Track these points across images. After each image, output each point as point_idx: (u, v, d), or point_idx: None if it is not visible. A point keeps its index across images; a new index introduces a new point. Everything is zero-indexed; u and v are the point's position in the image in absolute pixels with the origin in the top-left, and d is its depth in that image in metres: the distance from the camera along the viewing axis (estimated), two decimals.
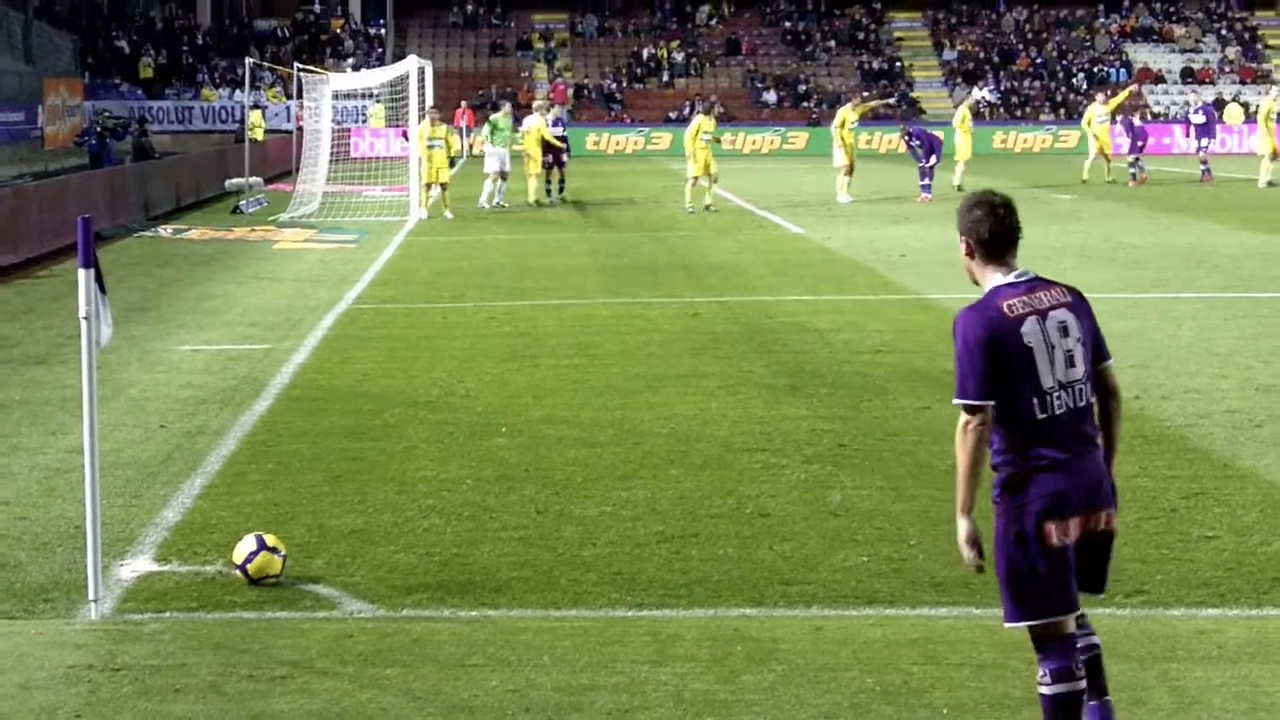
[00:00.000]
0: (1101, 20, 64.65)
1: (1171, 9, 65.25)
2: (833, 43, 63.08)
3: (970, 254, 5.27)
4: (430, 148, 27.57)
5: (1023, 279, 5.20)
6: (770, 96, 59.13)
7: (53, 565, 7.46)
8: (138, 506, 8.47)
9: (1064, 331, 5.12)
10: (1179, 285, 17.76)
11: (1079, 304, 5.23)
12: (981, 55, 62.23)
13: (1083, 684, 5.04)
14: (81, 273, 6.67)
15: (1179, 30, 63.88)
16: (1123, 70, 61.38)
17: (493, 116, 30.30)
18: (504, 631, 6.50)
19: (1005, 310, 5.09)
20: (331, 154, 31.73)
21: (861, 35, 63.39)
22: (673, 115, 57.22)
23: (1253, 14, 64.71)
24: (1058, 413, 5.07)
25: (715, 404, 11.08)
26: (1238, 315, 15.27)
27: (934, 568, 7.34)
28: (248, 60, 37.91)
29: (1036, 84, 60.55)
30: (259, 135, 40.79)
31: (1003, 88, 59.43)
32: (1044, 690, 5.04)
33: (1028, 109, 58.65)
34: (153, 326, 14.99)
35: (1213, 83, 60.25)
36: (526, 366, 12.65)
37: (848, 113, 30.89)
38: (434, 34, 63.16)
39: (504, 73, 60.77)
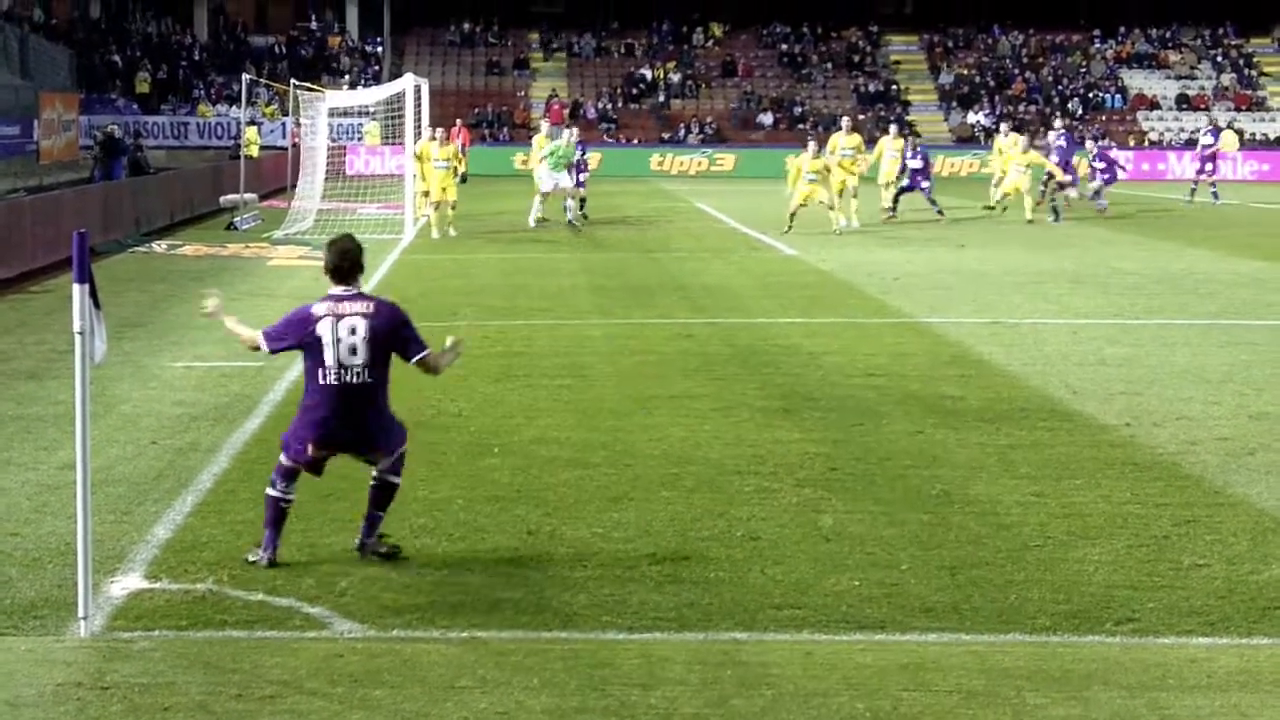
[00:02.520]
0: (1097, 45, 64.87)
1: (1167, 35, 65.48)
2: (829, 65, 63.24)
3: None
4: (438, 168, 27.76)
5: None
6: (766, 118, 59.25)
7: (43, 582, 7.44)
8: (129, 523, 8.45)
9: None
10: (1172, 311, 17.80)
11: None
12: (977, 79, 62.41)
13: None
14: (76, 288, 6.67)
15: (1174, 56, 64.10)
16: (1118, 96, 61.59)
17: (555, 144, 30.13)
18: (494, 653, 6.49)
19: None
20: (327, 171, 31.76)
21: (858, 58, 63.56)
22: (666, 136, 57.35)
23: (1248, 40, 64.95)
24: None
25: (708, 426, 11.08)
26: (1231, 342, 15.30)
27: (925, 592, 7.34)
28: (244, 76, 37.95)
29: (1032, 108, 60.70)
30: (254, 152, 40.86)
31: (998, 112, 59.58)
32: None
33: (1023, 134, 58.70)
34: (146, 342, 14.98)
35: (1208, 109, 60.41)
36: (519, 386, 12.65)
37: (837, 140, 30.91)
38: (431, 52, 63.28)
39: (500, 91, 60.88)
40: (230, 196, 32.87)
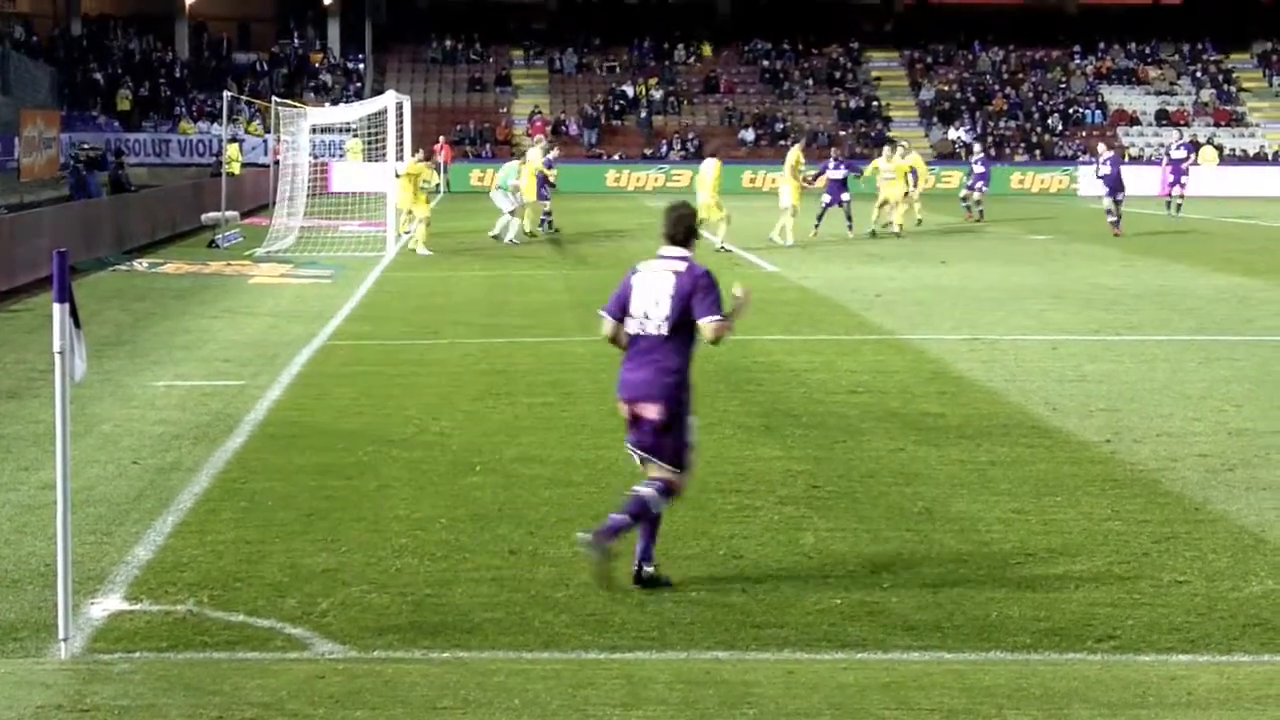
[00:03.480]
0: (1077, 61, 65.18)
1: (1147, 51, 65.82)
2: (810, 81, 63.43)
3: None
4: (422, 188, 27.93)
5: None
6: (748, 134, 59.39)
7: (22, 603, 7.41)
8: (109, 544, 8.42)
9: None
10: (1152, 327, 17.86)
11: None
12: (958, 95, 62.64)
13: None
14: (56, 307, 6.66)
15: (1154, 72, 64.43)
16: (1098, 111, 61.87)
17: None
18: (476, 674, 6.48)
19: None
20: (309, 188, 31.74)
21: (839, 74, 63.77)
22: (648, 152, 57.46)
23: (1227, 56, 65.31)
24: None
25: None
26: (1211, 358, 15.37)
27: (906, 611, 7.35)
28: (225, 93, 37.93)
29: (1012, 124, 60.96)
30: (236, 169, 40.80)
31: (979, 128, 59.82)
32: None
33: (1005, 149, 59.03)
34: (127, 361, 14.94)
35: (1187, 125, 60.74)
36: (501, 404, 12.65)
37: (798, 154, 30.88)
38: (413, 69, 63.31)
39: (482, 108, 60.92)
40: (212, 214, 32.82)
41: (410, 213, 28.38)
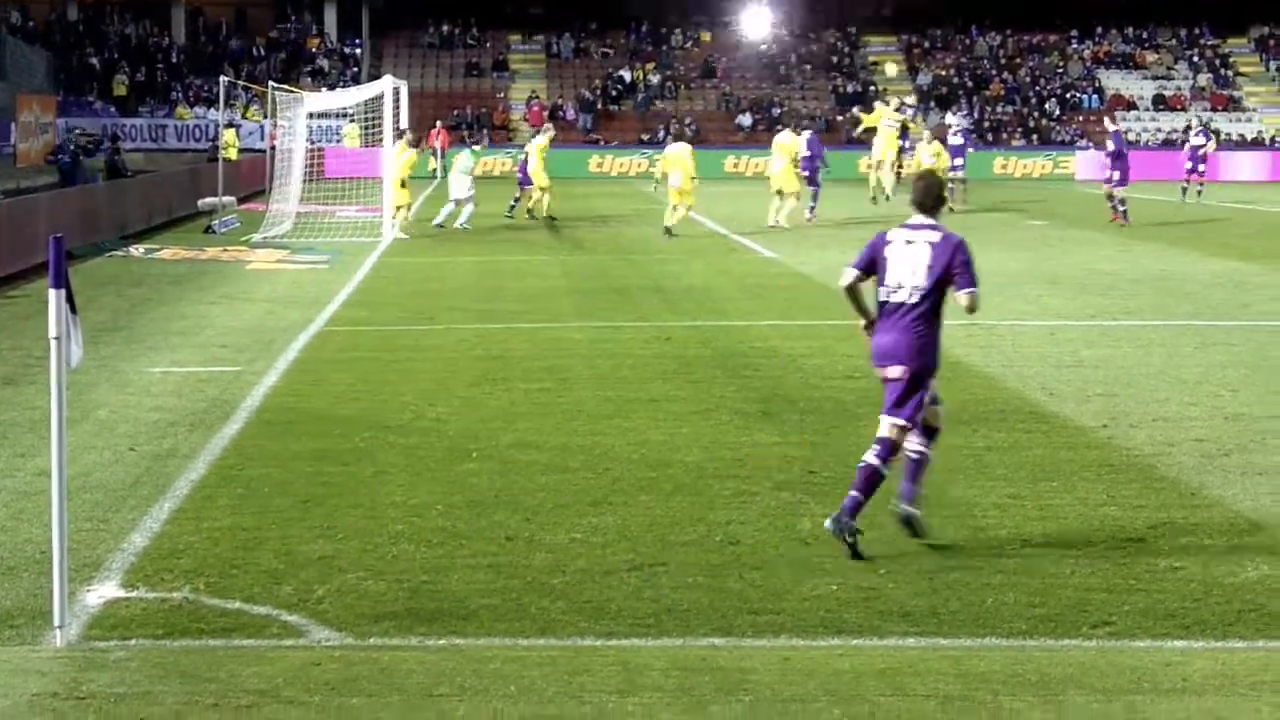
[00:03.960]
0: (1074, 46, 65.08)
1: (1144, 35, 65.73)
2: (808, 67, 63.33)
3: None
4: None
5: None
6: (745, 119, 59.32)
7: (18, 591, 7.41)
8: (105, 531, 8.42)
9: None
10: (1149, 313, 17.86)
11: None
12: (955, 80, 62.56)
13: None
14: (52, 293, 6.64)
15: (1151, 57, 64.36)
16: (1095, 96, 61.80)
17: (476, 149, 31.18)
18: (472, 660, 6.49)
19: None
20: (305, 174, 31.69)
21: (836, 59, 63.68)
22: (645, 137, 57.39)
23: (1224, 41, 65.23)
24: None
25: (686, 429, 11.09)
26: (1207, 343, 15.37)
27: (903, 597, 7.36)
28: (222, 79, 37.85)
29: (1009, 109, 60.89)
30: (233, 154, 40.73)
31: (976, 113, 59.76)
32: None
33: (1001, 134, 58.98)
34: (123, 347, 14.93)
35: (1184, 109, 60.70)
36: (498, 390, 12.64)
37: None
38: (410, 54, 63.20)
39: (479, 93, 60.83)
40: (208, 199, 32.78)
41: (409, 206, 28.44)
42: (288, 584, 7.50)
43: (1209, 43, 65.22)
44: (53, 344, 6.66)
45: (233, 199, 34.41)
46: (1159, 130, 59.64)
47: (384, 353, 14.67)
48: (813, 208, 31.13)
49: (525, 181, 31.58)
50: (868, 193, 34.70)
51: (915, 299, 8.10)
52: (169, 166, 42.83)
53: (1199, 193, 39.04)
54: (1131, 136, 59.02)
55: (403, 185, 28.22)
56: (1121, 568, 7.83)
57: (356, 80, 54.98)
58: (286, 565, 7.80)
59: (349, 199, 33.02)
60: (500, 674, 6.32)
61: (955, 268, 8.08)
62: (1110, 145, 31.67)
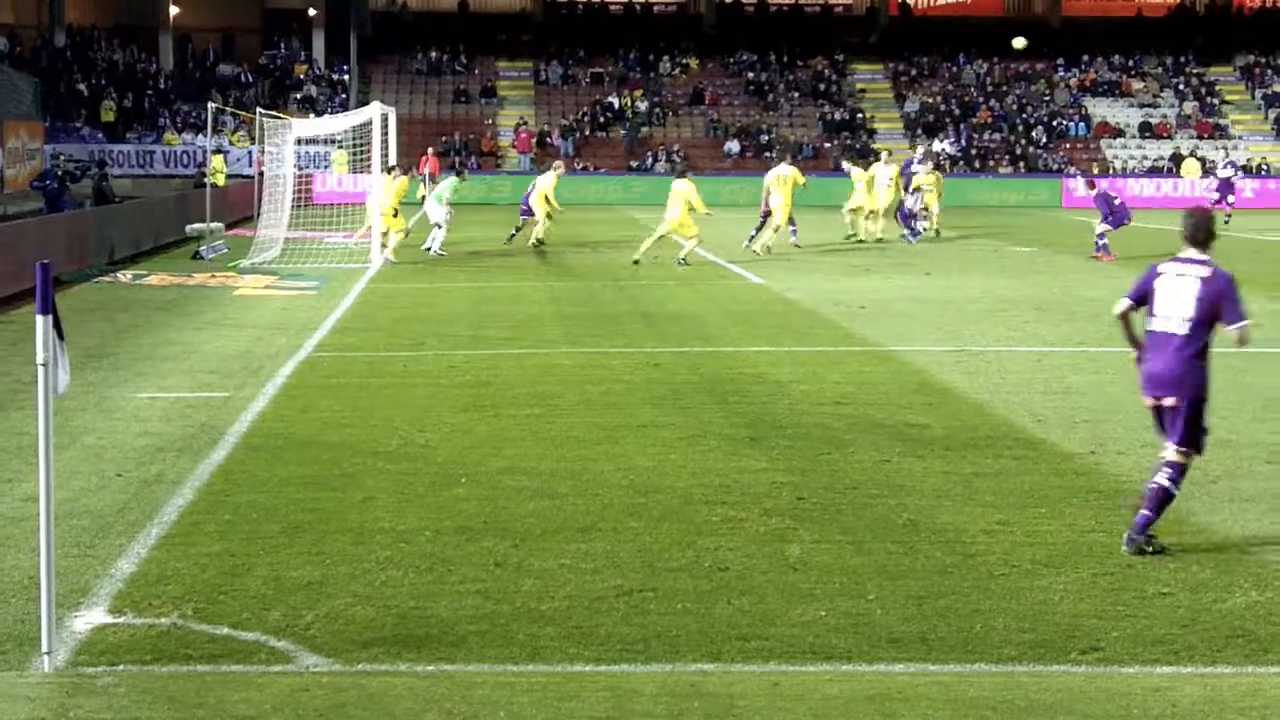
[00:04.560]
0: (1061, 74, 65.39)
1: (1130, 63, 66.07)
2: (795, 93, 63.55)
3: None
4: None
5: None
6: (733, 146, 59.48)
7: (5, 616, 7.38)
8: (93, 557, 8.40)
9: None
10: None
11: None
12: (942, 107, 62.81)
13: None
14: (39, 319, 6.64)
15: (1137, 85, 64.68)
16: (1081, 124, 62.07)
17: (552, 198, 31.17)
18: (460, 686, 6.48)
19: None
20: (293, 200, 31.72)
21: (823, 86, 63.91)
22: (634, 165, 57.52)
23: (1209, 69, 65.59)
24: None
25: (675, 455, 11.09)
26: None
27: (892, 622, 7.36)
28: (209, 105, 37.89)
29: (997, 136, 61.13)
30: (220, 180, 40.74)
31: (963, 140, 60.00)
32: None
33: (989, 161, 59.20)
34: (111, 373, 14.91)
35: (1170, 137, 60.99)
36: (487, 416, 12.64)
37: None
38: (398, 80, 63.31)
39: (467, 119, 60.93)
40: (196, 225, 32.77)
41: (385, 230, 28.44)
42: (276, 610, 7.48)
43: (1194, 70, 65.57)
44: (40, 370, 6.66)
45: (220, 225, 34.40)
46: (1145, 158, 59.90)
47: (372, 378, 14.66)
48: (794, 230, 31.17)
49: (527, 213, 31.63)
50: (846, 229, 34.47)
51: (1185, 330, 8.51)
52: (157, 192, 42.83)
53: (1226, 221, 39.16)
54: (1119, 164, 59.31)
55: (395, 214, 28.26)
56: (1110, 594, 7.84)
57: (345, 107, 55.04)
58: (274, 591, 7.79)
59: (337, 225, 33.01)
60: (489, 700, 6.31)
61: (1224, 302, 8.44)
62: (1096, 199, 31.22)
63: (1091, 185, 31.28)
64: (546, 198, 30.86)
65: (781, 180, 30.08)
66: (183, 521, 9.17)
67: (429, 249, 29.35)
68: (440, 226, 29.48)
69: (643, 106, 61.70)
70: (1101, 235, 29.99)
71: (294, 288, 23.70)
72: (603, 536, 8.84)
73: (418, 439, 11.67)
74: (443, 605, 7.59)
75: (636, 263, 27.42)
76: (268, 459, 10.92)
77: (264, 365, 15.40)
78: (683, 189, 27.81)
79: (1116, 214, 29.97)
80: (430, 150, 48.53)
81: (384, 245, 28.04)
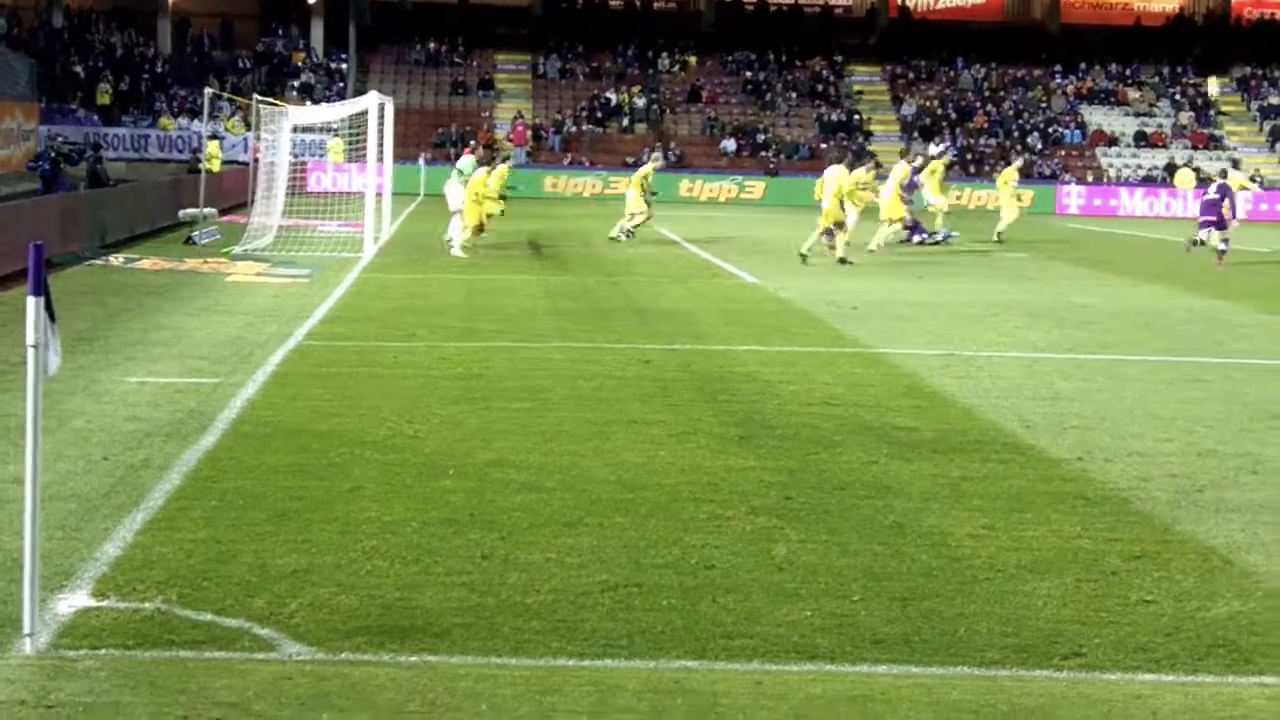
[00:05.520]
0: (1058, 81, 65.48)
1: (1127, 72, 66.17)
2: (793, 94, 63.58)
3: None
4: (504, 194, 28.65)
5: None
6: (729, 145, 59.50)
7: None
8: (78, 540, 8.38)
9: None
10: (1125, 347, 17.94)
11: None
12: (939, 111, 62.86)
13: None
14: (31, 300, 6.63)
15: (1133, 94, 64.78)
16: (1077, 131, 62.16)
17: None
18: (444, 678, 6.47)
19: None
20: (289, 187, 31.69)
21: (821, 87, 63.94)
22: (630, 160, 57.54)
23: (1206, 80, 65.71)
24: None
25: (664, 452, 11.10)
26: (1181, 379, 15.45)
27: (876, 624, 7.37)
28: (206, 90, 37.84)
29: (993, 141, 61.20)
30: (215, 166, 40.68)
31: (959, 144, 60.06)
32: None
33: (985, 166, 59.26)
34: (101, 356, 14.89)
35: (1165, 146, 61.09)
36: (476, 409, 12.64)
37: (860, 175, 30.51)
38: (396, 70, 63.28)
39: (465, 111, 60.91)
40: (189, 210, 32.73)
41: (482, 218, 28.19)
42: (260, 597, 7.47)
43: (1191, 81, 65.70)
44: (30, 351, 6.64)
45: (214, 210, 34.36)
46: (1139, 167, 60.00)
47: (363, 368, 14.65)
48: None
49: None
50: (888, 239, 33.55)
51: None
52: (151, 176, 42.76)
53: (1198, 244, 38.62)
54: (1113, 173, 59.40)
55: (480, 203, 27.92)
56: (1094, 600, 7.85)
57: (342, 95, 55.00)
58: (259, 579, 7.78)
59: (332, 214, 32.99)
60: (472, 692, 6.31)
61: None
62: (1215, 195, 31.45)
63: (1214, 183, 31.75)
64: (642, 185, 31.05)
65: (830, 181, 29.44)
66: (169, 507, 9.15)
67: (450, 241, 28.90)
68: (456, 215, 28.99)
69: (640, 103, 61.71)
70: (1225, 241, 30.55)
71: (286, 275, 23.69)
72: (589, 531, 8.84)
73: (406, 430, 11.66)
74: (427, 596, 7.59)
75: (804, 257, 27.61)
76: (256, 446, 10.92)
77: (254, 352, 15.39)
78: (835, 175, 27.94)
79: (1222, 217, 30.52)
80: (473, 141, 47.72)
81: (479, 232, 27.92)
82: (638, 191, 32.42)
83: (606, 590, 7.75)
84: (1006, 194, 37.42)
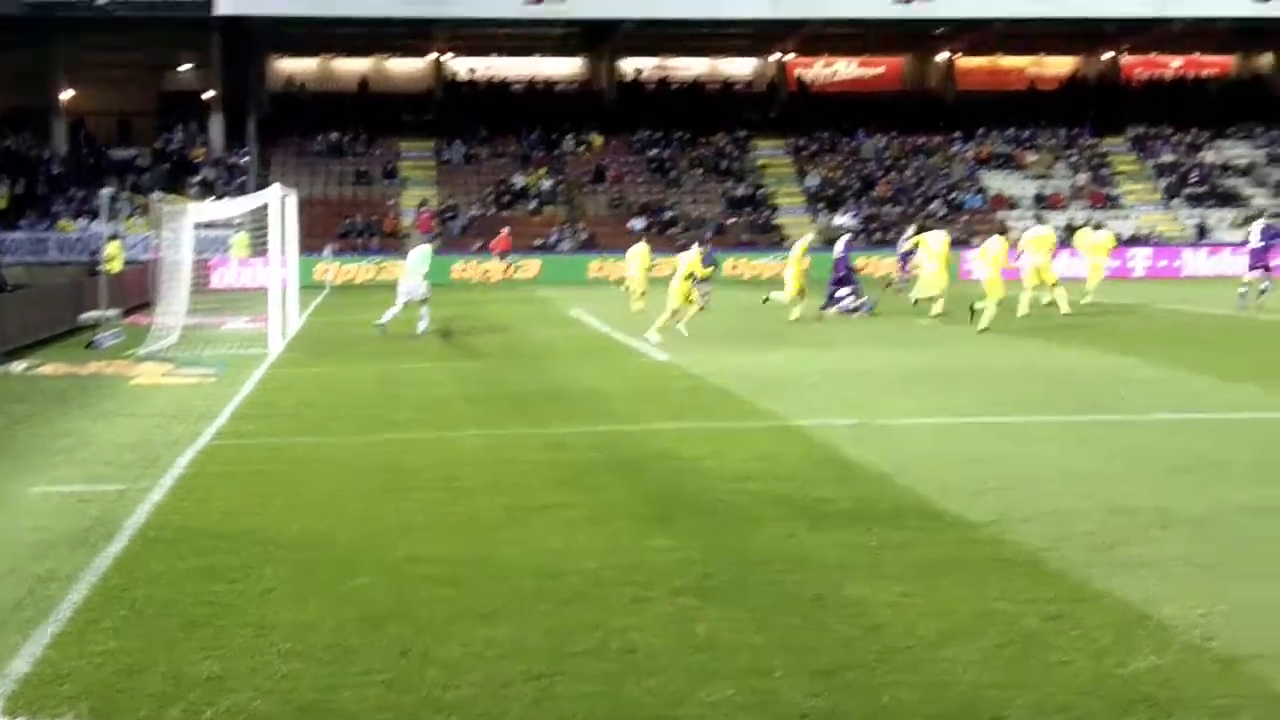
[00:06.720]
0: (957, 147, 66.61)
1: (1024, 136, 67.47)
2: (699, 170, 64.15)
3: None
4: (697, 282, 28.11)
5: None
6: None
7: None
8: None
9: None
10: (1039, 408, 18.14)
11: None
12: (843, 181, 63.69)
13: None
14: None
15: (1031, 157, 66.02)
16: (978, 196, 63.18)
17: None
18: None
19: None
20: (192, 285, 31.42)
21: (725, 163, 64.59)
22: (538, 243, 57.67)
23: (1102, 140, 67.16)
24: None
25: (582, 536, 11.03)
26: (1093, 437, 15.63)
27: (799, 699, 7.34)
28: (104, 190, 37.48)
29: (897, 209, 62.06)
30: (116, 266, 40.25)
31: (864, 214, 60.81)
32: None
33: (890, 234, 60.00)
34: (3, 465, 14.59)
35: (1064, 208, 62.22)
36: (391, 501, 12.51)
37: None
38: (298, 162, 63.08)
39: (369, 200, 60.82)
40: (90, 314, 32.31)
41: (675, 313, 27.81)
42: (175, 707, 7.31)
43: (1087, 143, 67.09)
44: None
45: (117, 312, 33.95)
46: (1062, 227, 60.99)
47: (273, 465, 14.47)
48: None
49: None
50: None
51: None
52: (50, 280, 42.22)
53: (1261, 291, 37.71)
54: (1014, 235, 60.35)
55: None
56: (1014, 662, 7.87)
57: (244, 190, 54.74)
58: (174, 687, 7.61)
59: (237, 310, 32.72)
60: None
61: None
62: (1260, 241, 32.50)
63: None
64: (692, 275, 29.19)
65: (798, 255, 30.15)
66: (78, 619, 8.95)
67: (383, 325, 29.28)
68: (424, 301, 29.21)
69: (547, 184, 61.97)
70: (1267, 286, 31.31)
71: (193, 375, 23.40)
72: (509, 621, 8.75)
73: (319, 526, 11.51)
74: (346, 697, 7.46)
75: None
76: (164, 551, 10.72)
77: (161, 455, 15.15)
78: (688, 256, 27.82)
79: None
80: (506, 228, 46.50)
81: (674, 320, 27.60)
82: (682, 284, 30.27)
83: (529, 680, 7.66)
84: (1093, 258, 37.81)
